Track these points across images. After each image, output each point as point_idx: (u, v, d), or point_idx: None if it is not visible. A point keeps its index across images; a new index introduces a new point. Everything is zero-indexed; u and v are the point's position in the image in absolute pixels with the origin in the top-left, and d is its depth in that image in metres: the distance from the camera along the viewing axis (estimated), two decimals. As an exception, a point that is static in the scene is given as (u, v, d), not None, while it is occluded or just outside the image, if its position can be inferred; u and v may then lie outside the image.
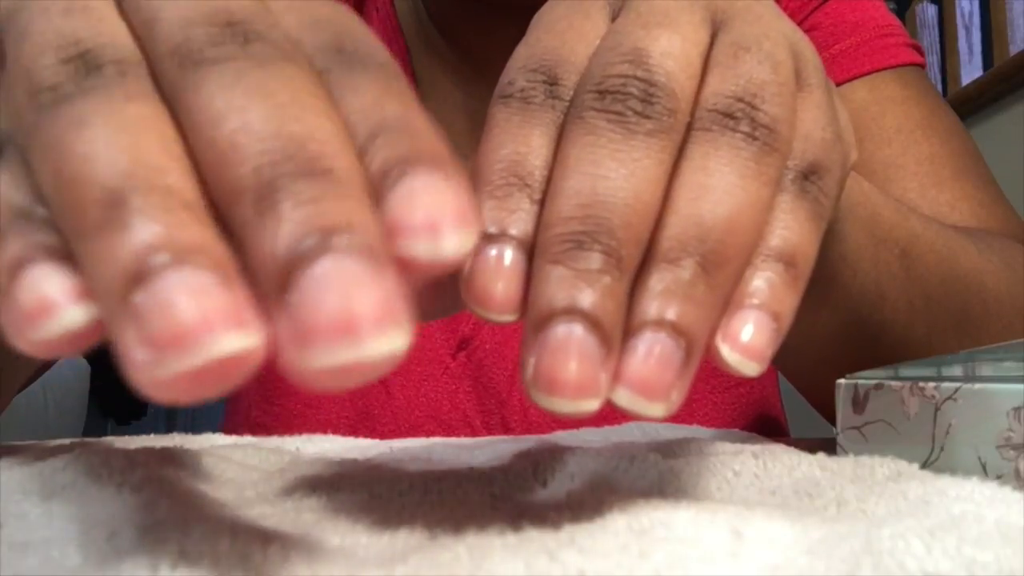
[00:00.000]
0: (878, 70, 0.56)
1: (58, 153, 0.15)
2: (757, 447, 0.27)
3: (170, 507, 0.20)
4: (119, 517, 0.18)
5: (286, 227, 0.14)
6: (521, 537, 0.17)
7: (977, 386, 0.25)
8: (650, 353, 0.18)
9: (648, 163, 0.19)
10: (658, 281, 0.18)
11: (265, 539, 0.17)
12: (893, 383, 0.27)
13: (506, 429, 0.56)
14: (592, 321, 0.18)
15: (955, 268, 0.38)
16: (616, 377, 0.18)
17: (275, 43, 0.17)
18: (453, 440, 0.42)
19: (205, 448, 0.31)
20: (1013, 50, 1.66)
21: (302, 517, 0.21)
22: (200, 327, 0.14)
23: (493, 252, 0.19)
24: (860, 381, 0.29)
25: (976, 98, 1.72)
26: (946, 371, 0.27)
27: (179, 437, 0.38)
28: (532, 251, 0.19)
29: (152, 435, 0.39)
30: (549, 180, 0.19)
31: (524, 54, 0.21)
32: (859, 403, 0.29)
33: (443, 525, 0.20)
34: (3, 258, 0.15)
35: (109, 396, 3.46)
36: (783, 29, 0.22)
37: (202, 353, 0.14)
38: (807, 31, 0.57)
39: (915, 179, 0.53)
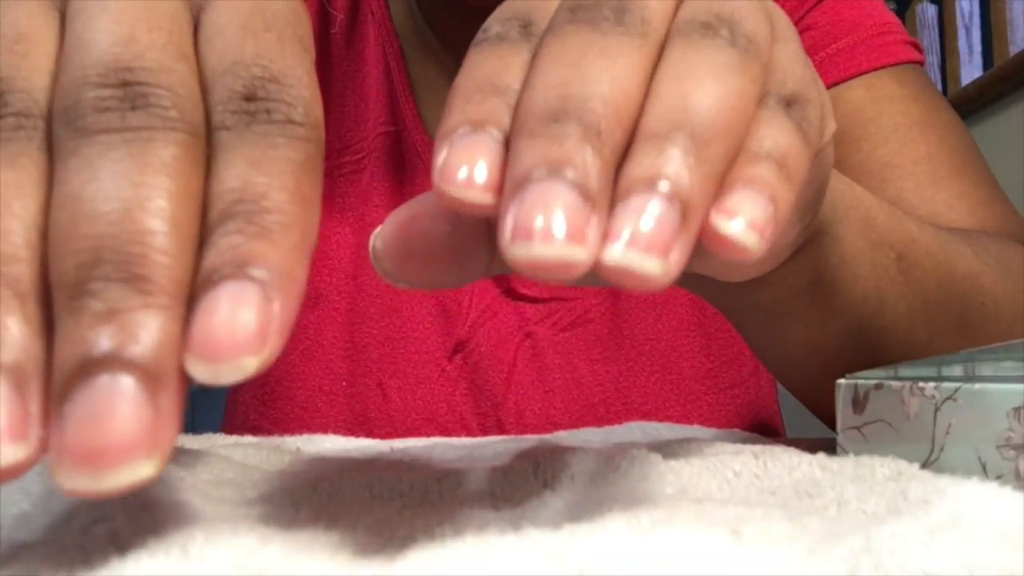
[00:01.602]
0: (876, 68, 0.55)
1: None
2: (757, 447, 0.27)
3: (170, 507, 0.20)
4: (119, 517, 0.18)
5: (79, 335, 0.15)
6: (521, 537, 0.17)
7: (977, 386, 0.25)
8: (644, 210, 0.17)
9: (623, 53, 0.18)
10: (645, 151, 0.17)
11: (265, 539, 0.17)
12: (893, 383, 0.27)
13: (502, 431, 0.56)
14: (574, 181, 0.17)
15: (952, 271, 0.38)
16: (607, 236, 0.17)
17: (163, 109, 0.17)
18: (453, 440, 0.42)
19: (205, 448, 0.31)
20: (1013, 50, 1.66)
21: (302, 517, 0.21)
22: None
23: (471, 138, 0.18)
24: (860, 381, 0.29)
25: (976, 98, 1.72)
26: (946, 371, 0.27)
27: (179, 437, 0.38)
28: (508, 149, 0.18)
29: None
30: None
31: (498, 11, 0.21)
32: (859, 403, 0.29)
33: (443, 525, 0.20)
34: None
35: (109, 396, 3.45)
36: None
37: None
38: (804, 30, 0.57)
39: (912, 178, 0.53)
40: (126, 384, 0.15)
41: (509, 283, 0.57)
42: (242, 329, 0.15)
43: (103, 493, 0.14)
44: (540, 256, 0.16)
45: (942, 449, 0.25)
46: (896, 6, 1.97)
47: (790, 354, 0.37)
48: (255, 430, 0.59)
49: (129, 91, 0.17)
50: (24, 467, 0.15)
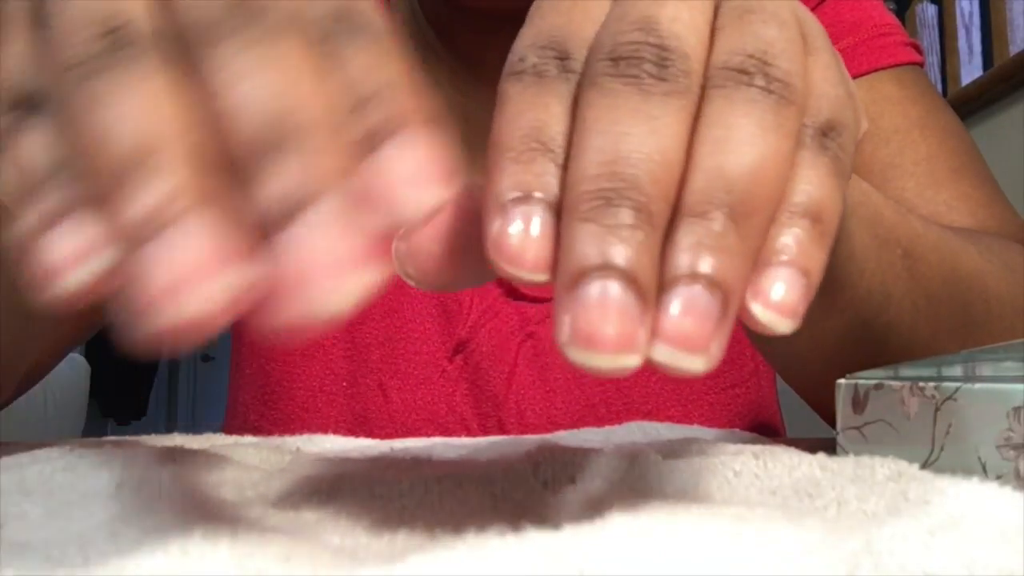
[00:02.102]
0: (876, 70, 0.55)
1: (91, 117, 0.17)
2: (757, 447, 0.27)
3: (170, 507, 0.20)
4: (119, 517, 0.18)
5: (280, 182, 0.17)
6: (521, 537, 0.17)
7: (977, 386, 0.25)
8: (687, 306, 0.18)
9: (668, 121, 0.19)
10: (687, 235, 0.18)
11: (265, 539, 0.17)
12: (893, 383, 0.27)
13: (503, 432, 0.56)
14: (628, 277, 0.17)
15: (957, 269, 0.38)
16: (654, 333, 0.18)
17: (278, 16, 0.18)
18: (453, 440, 0.42)
19: (205, 448, 0.31)
20: (1013, 50, 1.66)
21: (302, 517, 0.21)
22: (196, 272, 0.16)
23: (522, 210, 0.19)
24: (860, 381, 0.29)
25: (976, 98, 1.72)
26: (946, 371, 0.27)
27: (179, 437, 0.38)
28: (560, 214, 0.19)
29: (152, 435, 0.39)
30: (570, 145, 0.19)
31: (531, 33, 0.21)
32: (859, 403, 0.29)
33: (443, 525, 0.20)
34: (34, 215, 0.17)
35: (109, 396, 3.46)
36: None
37: (197, 298, 0.16)
38: None
39: (913, 179, 0.53)
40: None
41: (511, 283, 0.57)
42: (430, 161, 0.18)
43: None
44: (595, 364, 0.17)
45: (942, 449, 0.25)
46: (896, 6, 1.97)
47: (794, 349, 0.38)
48: (255, 430, 0.59)
49: (243, 5, 0.18)
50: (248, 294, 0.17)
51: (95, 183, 0.17)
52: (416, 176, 0.18)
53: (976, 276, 0.39)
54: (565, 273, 0.18)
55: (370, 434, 0.56)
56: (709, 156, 0.19)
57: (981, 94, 1.71)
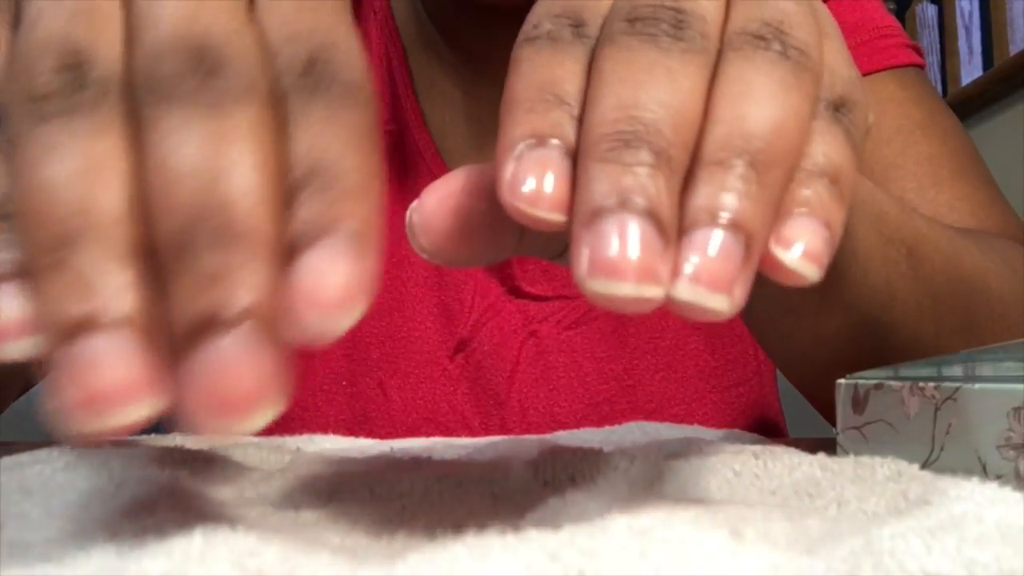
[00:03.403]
0: (877, 71, 0.56)
1: (29, 173, 0.17)
2: (757, 447, 0.27)
3: (170, 507, 0.20)
4: (119, 517, 0.18)
5: (192, 295, 0.16)
6: (521, 537, 0.17)
7: (977, 386, 0.25)
8: (711, 244, 0.17)
9: (687, 72, 0.19)
10: (709, 181, 0.18)
11: (265, 539, 0.17)
12: (893, 383, 0.27)
13: (505, 431, 0.56)
14: (649, 212, 0.17)
15: (960, 268, 0.38)
16: (675, 271, 0.17)
17: (238, 76, 0.17)
18: (453, 440, 0.42)
19: (205, 448, 0.31)
20: (1013, 50, 1.66)
21: (302, 517, 0.21)
22: (112, 395, 0.16)
23: (538, 154, 0.18)
24: (860, 381, 0.29)
25: (976, 98, 1.72)
26: (946, 371, 0.27)
27: (179, 437, 0.38)
28: (576, 160, 0.18)
29: (152, 435, 0.39)
30: (586, 102, 0.19)
31: (545, 4, 0.21)
32: (859, 403, 0.29)
33: (443, 525, 0.20)
34: None
35: (109, 396, 3.45)
36: None
37: (110, 418, 0.16)
38: None
39: (914, 179, 0.53)
40: (246, 336, 0.16)
41: (513, 281, 0.57)
42: (346, 280, 0.17)
43: (235, 433, 0.16)
44: (616, 293, 0.17)
45: (942, 449, 0.25)
46: (896, 6, 1.97)
47: (798, 348, 0.38)
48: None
49: (204, 62, 0.17)
50: (148, 421, 0.16)
51: (32, 245, 0.17)
52: (328, 299, 0.16)
53: (979, 276, 0.39)
54: (583, 211, 0.17)
55: (370, 434, 0.56)
56: (729, 108, 0.19)
57: (981, 94, 1.71)
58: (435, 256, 0.21)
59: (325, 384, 0.57)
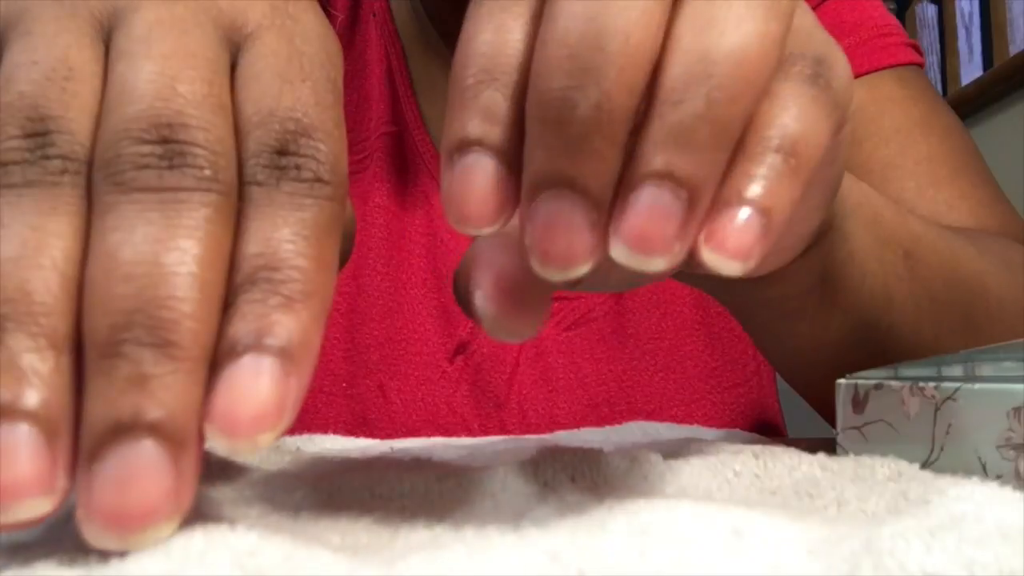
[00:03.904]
0: (876, 70, 0.55)
1: None
2: (757, 447, 0.27)
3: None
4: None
5: (109, 397, 0.16)
6: (521, 537, 0.17)
7: (977, 386, 0.25)
8: (647, 206, 0.17)
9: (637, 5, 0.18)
10: (658, 128, 0.18)
11: (265, 539, 0.17)
12: (893, 383, 0.27)
13: (504, 432, 0.56)
14: (580, 188, 0.17)
15: (958, 270, 0.38)
16: (613, 232, 0.18)
17: (199, 169, 0.17)
18: (454, 440, 0.42)
19: (205, 448, 0.31)
20: (1013, 50, 1.66)
21: (302, 517, 0.21)
22: (11, 492, 0.15)
23: (466, 160, 0.18)
24: (860, 381, 0.29)
25: (976, 98, 1.72)
26: (946, 371, 0.27)
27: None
28: (510, 143, 0.18)
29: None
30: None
31: None
32: (859, 403, 0.29)
33: (443, 525, 0.20)
34: None
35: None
36: None
37: (9, 514, 0.16)
38: None
39: (913, 178, 0.53)
40: (152, 451, 0.16)
41: None
42: (261, 403, 0.16)
43: (129, 550, 0.16)
44: (553, 276, 0.18)
45: (942, 449, 0.25)
46: (896, 6, 1.97)
47: (797, 351, 0.37)
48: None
49: (168, 148, 0.17)
50: (46, 517, 0.16)
51: None
52: (241, 420, 0.16)
53: (977, 277, 0.39)
54: (525, 189, 0.18)
55: (370, 435, 0.56)
56: (691, 35, 0.18)
57: (981, 94, 1.71)
58: (511, 336, 0.20)
59: (324, 385, 0.57)
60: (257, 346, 0.17)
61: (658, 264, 0.17)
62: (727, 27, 0.18)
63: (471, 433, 0.57)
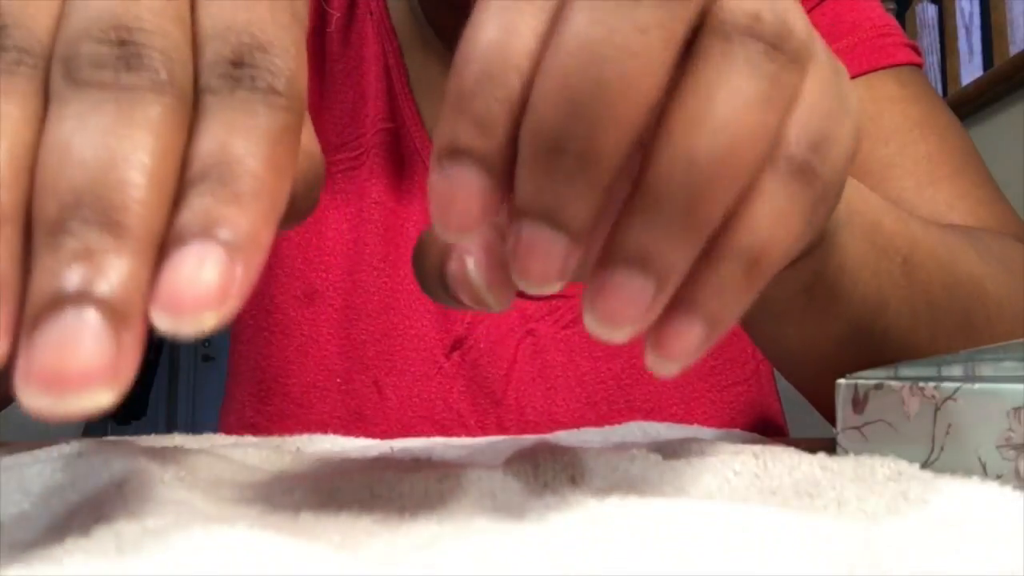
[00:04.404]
0: (875, 70, 0.55)
1: None
2: (757, 447, 0.27)
3: (171, 508, 0.20)
4: (119, 517, 0.18)
5: (54, 269, 0.16)
6: (521, 537, 0.17)
7: (977, 386, 0.25)
8: (617, 286, 0.19)
9: (650, 57, 0.18)
10: (638, 215, 0.19)
11: (265, 539, 0.17)
12: (893, 383, 0.27)
13: (501, 429, 0.56)
14: (562, 224, 0.18)
15: (956, 273, 0.38)
16: (587, 307, 0.19)
17: (155, 72, 0.17)
18: (454, 440, 0.42)
19: (205, 448, 0.31)
20: (1013, 50, 1.66)
21: (302, 517, 0.21)
22: None
23: (452, 171, 0.19)
24: (860, 381, 0.29)
25: (976, 98, 1.72)
26: (946, 371, 0.27)
27: (179, 437, 0.38)
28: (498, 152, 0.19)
29: (152, 435, 0.39)
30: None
31: None
32: (859, 403, 0.29)
33: (443, 525, 0.20)
34: None
35: (109, 396, 3.44)
36: None
37: None
38: None
39: (912, 178, 0.53)
40: (93, 318, 0.16)
41: None
42: (205, 287, 0.16)
43: (63, 415, 0.16)
44: (536, 291, 0.18)
45: (942, 449, 0.25)
46: (896, 6, 1.97)
47: (789, 351, 0.37)
48: (251, 426, 0.59)
49: (125, 50, 0.17)
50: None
51: None
52: (184, 302, 0.16)
53: (976, 281, 0.39)
54: (514, 201, 0.19)
55: (365, 431, 0.56)
56: (681, 131, 0.18)
57: (981, 94, 1.71)
58: (499, 305, 0.22)
59: (320, 380, 0.57)
60: (204, 234, 0.17)
61: (622, 335, 0.19)
62: (720, 124, 0.18)
63: (467, 429, 0.57)
